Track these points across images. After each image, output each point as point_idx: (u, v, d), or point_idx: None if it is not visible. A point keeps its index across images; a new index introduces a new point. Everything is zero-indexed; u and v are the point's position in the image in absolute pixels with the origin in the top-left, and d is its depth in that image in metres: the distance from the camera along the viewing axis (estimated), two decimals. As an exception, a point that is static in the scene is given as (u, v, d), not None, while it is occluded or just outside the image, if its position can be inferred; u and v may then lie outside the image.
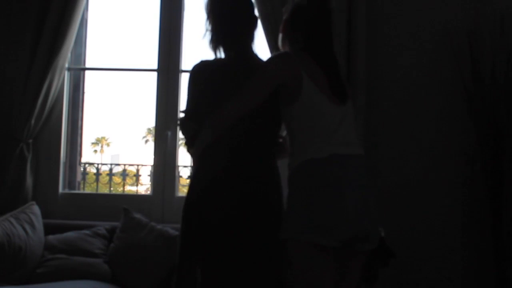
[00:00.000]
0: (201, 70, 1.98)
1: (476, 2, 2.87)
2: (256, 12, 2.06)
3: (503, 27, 2.75)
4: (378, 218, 1.89)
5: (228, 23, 1.97)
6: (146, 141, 33.04)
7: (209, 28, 1.99)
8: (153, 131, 3.36)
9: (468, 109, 2.76)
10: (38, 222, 2.80)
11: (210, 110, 1.89)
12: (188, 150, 2.03)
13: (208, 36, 1.99)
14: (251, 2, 2.04)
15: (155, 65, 3.14)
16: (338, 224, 1.75)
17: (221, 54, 1.99)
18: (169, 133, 3.03)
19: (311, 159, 1.81)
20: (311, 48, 1.91)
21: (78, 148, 3.35)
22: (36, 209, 2.86)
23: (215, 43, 1.98)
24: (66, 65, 3.09)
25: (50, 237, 2.80)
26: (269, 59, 1.92)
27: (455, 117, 2.85)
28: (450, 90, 2.85)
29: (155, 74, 3.14)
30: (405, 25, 2.92)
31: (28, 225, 2.72)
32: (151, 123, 3.60)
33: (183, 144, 2.11)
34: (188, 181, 3.23)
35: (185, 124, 2.01)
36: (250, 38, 2.01)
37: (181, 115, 2.04)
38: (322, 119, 1.85)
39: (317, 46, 1.91)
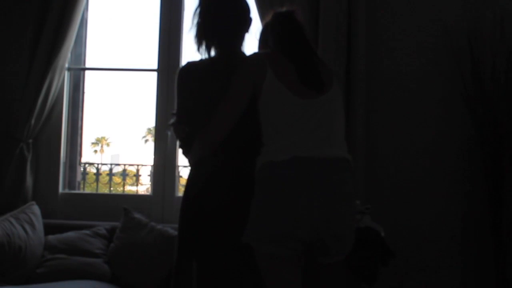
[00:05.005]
0: (188, 71, 1.97)
1: (476, 3, 2.87)
2: (252, 15, 2.04)
3: (503, 27, 2.75)
4: (349, 228, 1.79)
5: (216, 20, 1.95)
6: (146, 141, 33.01)
7: (196, 22, 1.97)
8: (153, 131, 3.36)
9: (468, 109, 2.76)
10: (38, 222, 2.81)
11: (200, 111, 1.90)
12: (183, 153, 2.04)
13: (194, 31, 1.97)
14: (246, 2, 2.03)
15: (155, 65, 3.14)
16: (287, 231, 1.67)
17: (205, 51, 1.96)
18: (169, 133, 3.03)
19: (270, 161, 1.73)
20: (282, 49, 1.87)
21: (78, 148, 3.35)
22: (36, 209, 2.86)
23: (201, 38, 1.96)
24: (66, 65, 3.10)
25: (50, 237, 2.80)
26: (240, 64, 1.87)
27: (455, 117, 2.85)
28: (450, 90, 2.85)
29: (155, 74, 3.14)
30: (405, 25, 2.92)
31: (28, 225, 2.72)
32: (151, 123, 3.59)
33: (179, 147, 2.11)
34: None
35: (177, 127, 2.01)
36: (239, 38, 2.00)
37: (173, 118, 2.04)
38: (283, 115, 1.75)
39: (288, 46, 1.87)
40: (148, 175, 3.46)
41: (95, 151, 33.65)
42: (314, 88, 1.80)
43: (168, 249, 2.67)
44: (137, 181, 4.49)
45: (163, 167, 3.09)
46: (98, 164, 3.59)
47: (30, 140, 3.01)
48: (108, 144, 34.64)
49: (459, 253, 2.83)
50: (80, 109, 3.33)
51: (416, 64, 2.91)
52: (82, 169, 3.50)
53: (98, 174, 3.54)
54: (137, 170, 3.88)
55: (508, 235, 2.66)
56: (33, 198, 2.99)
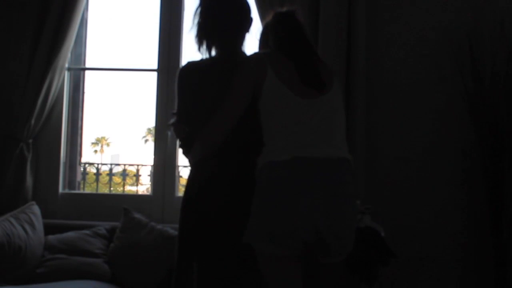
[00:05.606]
0: (189, 71, 1.97)
1: (476, 3, 2.87)
2: (253, 15, 2.04)
3: (503, 27, 2.75)
4: (350, 228, 1.79)
5: (216, 19, 1.95)
6: (146, 141, 32.99)
7: (197, 22, 1.97)
8: (153, 131, 3.36)
9: (468, 109, 2.76)
10: (38, 222, 2.81)
11: (201, 111, 1.90)
12: (183, 153, 2.04)
13: (194, 31, 1.97)
14: (246, 2, 2.03)
15: (155, 65, 3.14)
16: (288, 231, 1.68)
17: (206, 51, 1.96)
18: (169, 133, 3.03)
19: (271, 162, 1.73)
20: (282, 48, 1.88)
21: (78, 148, 3.35)
22: (36, 209, 2.86)
23: (201, 38, 1.96)
24: (66, 65, 3.10)
25: (50, 237, 2.80)
26: (241, 64, 1.86)
27: (455, 117, 2.85)
28: (450, 90, 2.84)
29: (155, 74, 3.14)
30: (405, 25, 2.92)
31: (28, 225, 2.72)
32: (151, 123, 3.60)
33: (179, 147, 2.11)
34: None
35: (177, 127, 2.01)
36: (240, 38, 2.00)
37: (173, 118, 2.04)
38: (284, 115, 1.76)
39: (288, 46, 1.87)
40: (148, 175, 3.46)
41: (95, 151, 33.63)
42: (315, 88, 1.80)
43: (168, 249, 2.67)
44: (137, 181, 4.49)
45: (163, 167, 3.09)
46: (98, 164, 3.59)
47: (30, 140, 3.01)
48: (108, 144, 34.61)
49: (459, 253, 2.83)
50: (80, 109, 3.33)
51: (416, 64, 2.91)
52: (82, 169, 3.50)
53: (98, 174, 3.54)
54: (137, 170, 3.88)
55: (508, 235, 2.66)
56: (33, 198, 2.99)
